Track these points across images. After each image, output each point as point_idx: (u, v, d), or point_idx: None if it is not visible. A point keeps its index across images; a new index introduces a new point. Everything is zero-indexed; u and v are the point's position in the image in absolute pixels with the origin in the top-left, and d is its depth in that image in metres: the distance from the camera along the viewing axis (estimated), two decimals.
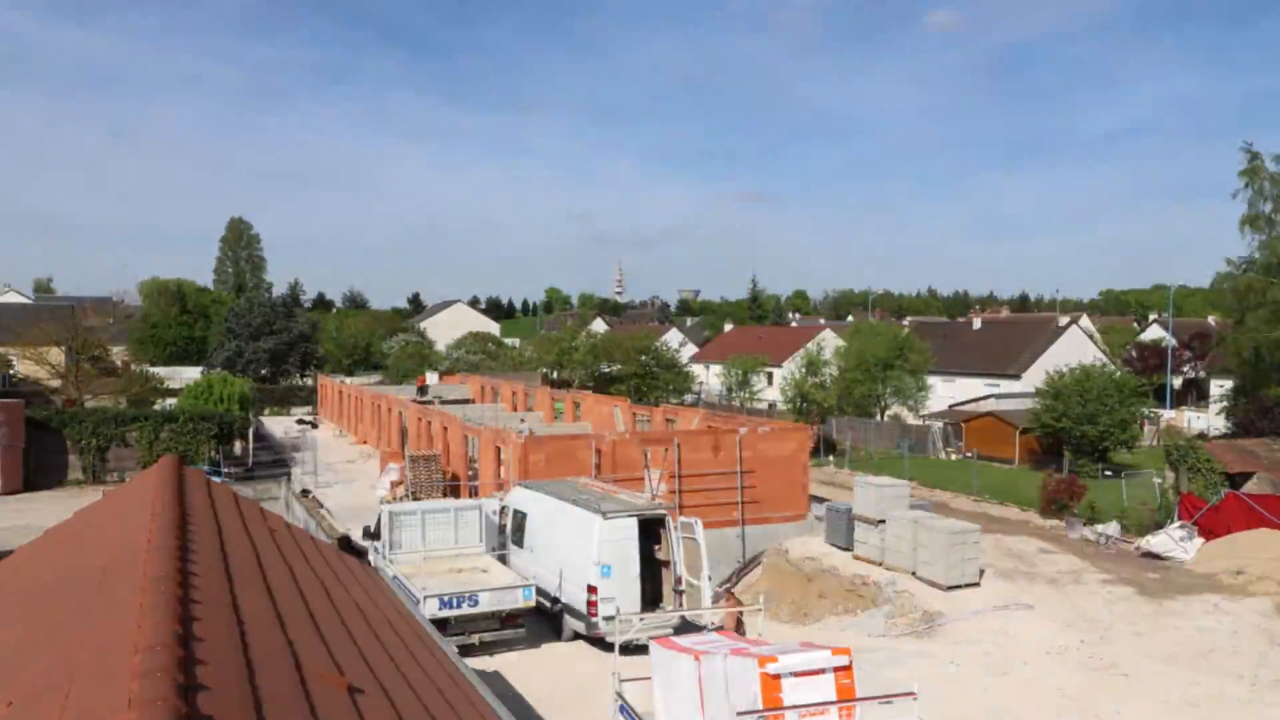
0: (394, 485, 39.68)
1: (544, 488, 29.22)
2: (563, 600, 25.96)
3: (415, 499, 36.44)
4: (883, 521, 31.79)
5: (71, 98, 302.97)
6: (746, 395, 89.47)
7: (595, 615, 24.61)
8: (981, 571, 30.57)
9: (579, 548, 25.38)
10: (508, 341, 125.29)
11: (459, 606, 24.07)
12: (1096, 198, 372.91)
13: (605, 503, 26.22)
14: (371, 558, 28.17)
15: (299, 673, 6.24)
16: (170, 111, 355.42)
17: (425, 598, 23.53)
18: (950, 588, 29.45)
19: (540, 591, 26.64)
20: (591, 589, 24.67)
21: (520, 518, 28.72)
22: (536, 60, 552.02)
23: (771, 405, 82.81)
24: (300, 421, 65.30)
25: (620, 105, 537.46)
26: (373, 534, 28.49)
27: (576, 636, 25.82)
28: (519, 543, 28.57)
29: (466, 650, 22.63)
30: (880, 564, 31.57)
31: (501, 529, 29.84)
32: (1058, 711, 21.62)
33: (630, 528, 25.26)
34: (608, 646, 25.08)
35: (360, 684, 6.81)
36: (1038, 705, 21.99)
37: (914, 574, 30.53)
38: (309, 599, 9.43)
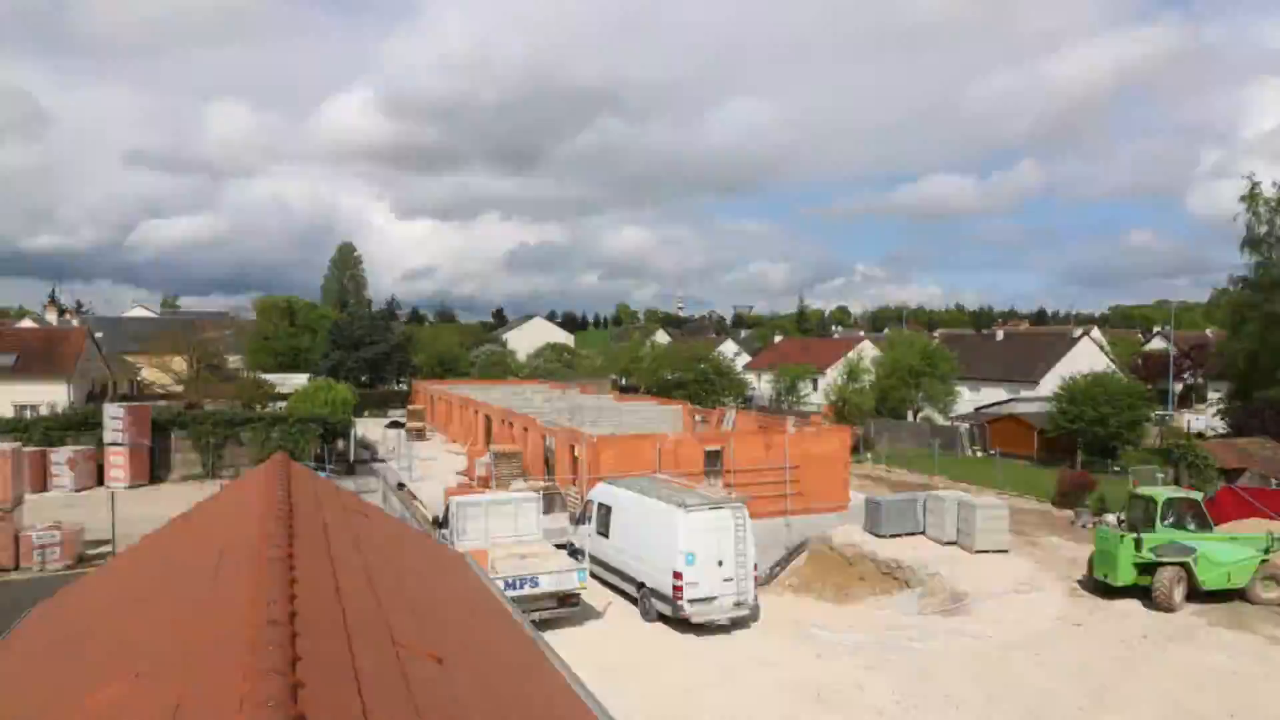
0: (481, 479, 39.69)
1: (628, 484, 29.06)
2: (648, 585, 25.93)
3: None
4: None
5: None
6: (794, 399, 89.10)
7: (681, 599, 24.63)
8: (1008, 542, 33.11)
9: (664, 538, 25.36)
10: (581, 351, 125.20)
11: (522, 588, 24.07)
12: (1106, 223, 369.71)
13: (688, 497, 26.17)
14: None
15: (392, 644, 6.24)
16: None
17: (492, 580, 23.63)
18: (979, 551, 32.27)
19: (626, 577, 26.77)
20: (677, 575, 24.66)
21: (605, 510, 28.62)
22: None
23: (818, 408, 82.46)
24: (394, 424, 65.53)
25: None
26: (441, 523, 28.68)
27: (661, 618, 25.75)
28: (604, 533, 28.36)
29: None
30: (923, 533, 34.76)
31: (584, 520, 29.80)
32: (1066, 678, 21.77)
33: (709, 520, 25.20)
34: (687, 625, 25.15)
35: (447, 654, 6.80)
36: (1050, 672, 22.11)
37: (954, 542, 33.32)
38: (401, 579, 9.46)
